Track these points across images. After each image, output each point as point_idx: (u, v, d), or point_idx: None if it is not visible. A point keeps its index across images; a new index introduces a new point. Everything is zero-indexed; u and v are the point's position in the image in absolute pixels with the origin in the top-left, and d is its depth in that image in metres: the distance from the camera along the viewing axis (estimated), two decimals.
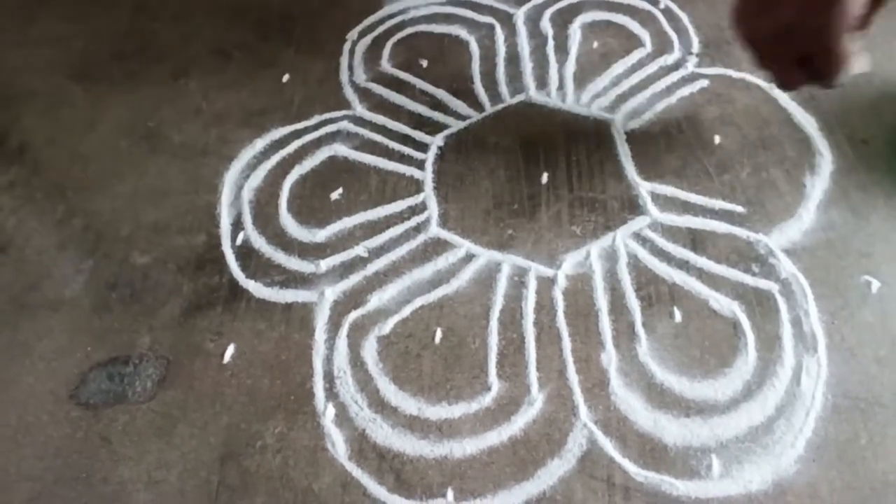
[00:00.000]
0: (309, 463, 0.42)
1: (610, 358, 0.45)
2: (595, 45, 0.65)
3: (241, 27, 0.71)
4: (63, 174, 0.59)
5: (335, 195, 0.55)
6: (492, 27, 0.68)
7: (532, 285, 0.48)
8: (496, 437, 0.42)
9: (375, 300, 0.48)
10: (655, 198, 0.53)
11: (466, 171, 0.56)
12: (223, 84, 0.65)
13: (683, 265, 0.49)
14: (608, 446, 0.41)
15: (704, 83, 0.61)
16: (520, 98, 0.61)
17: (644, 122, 0.58)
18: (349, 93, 0.63)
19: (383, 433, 0.43)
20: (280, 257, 0.52)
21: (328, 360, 0.46)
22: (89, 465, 0.42)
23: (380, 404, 0.44)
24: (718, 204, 0.52)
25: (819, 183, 0.53)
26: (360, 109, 0.62)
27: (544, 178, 0.55)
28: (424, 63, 0.65)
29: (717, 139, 0.56)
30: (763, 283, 0.47)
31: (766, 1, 0.41)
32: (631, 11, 0.67)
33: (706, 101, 0.59)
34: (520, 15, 0.68)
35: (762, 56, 0.45)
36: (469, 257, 0.50)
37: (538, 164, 0.56)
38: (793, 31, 0.41)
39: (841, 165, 0.54)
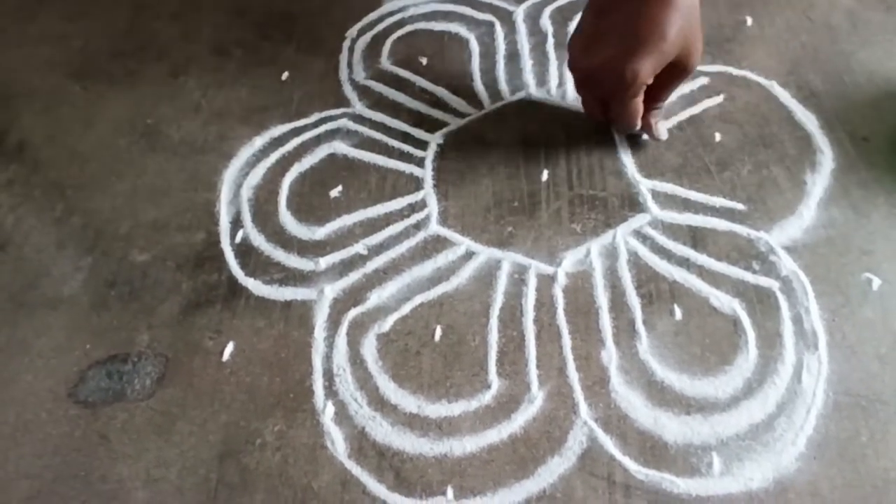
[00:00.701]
0: (308, 461, 0.41)
1: (610, 355, 0.44)
2: None
3: (240, 25, 0.70)
4: (62, 172, 0.59)
5: (335, 193, 0.55)
6: (491, 24, 0.68)
7: (532, 283, 0.48)
8: (496, 434, 0.42)
9: (375, 298, 0.48)
10: (656, 195, 0.53)
11: (466, 168, 0.56)
12: (223, 82, 0.65)
13: (684, 262, 0.49)
14: (608, 444, 0.41)
15: (704, 81, 0.60)
16: (520, 95, 0.61)
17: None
18: (349, 90, 0.63)
19: (383, 431, 0.42)
20: (279, 255, 0.52)
21: (327, 357, 0.46)
22: (88, 463, 0.42)
23: (379, 402, 0.44)
24: (719, 201, 0.52)
25: (820, 180, 0.53)
26: (359, 107, 0.61)
27: (544, 175, 0.55)
28: (424, 61, 0.65)
29: (717, 136, 0.56)
30: (764, 281, 0.47)
31: (590, 45, 0.48)
32: None
33: (706, 99, 0.59)
34: (519, 12, 0.68)
35: (576, 84, 0.53)
36: (469, 255, 0.50)
37: (538, 162, 0.56)
38: (598, 76, 0.48)
39: (842, 163, 0.54)
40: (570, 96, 0.60)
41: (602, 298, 0.47)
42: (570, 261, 0.49)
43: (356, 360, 0.46)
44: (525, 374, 0.44)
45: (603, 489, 0.39)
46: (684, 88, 0.60)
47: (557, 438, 0.42)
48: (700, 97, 0.59)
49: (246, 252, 0.52)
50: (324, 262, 0.51)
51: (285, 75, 0.65)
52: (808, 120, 0.57)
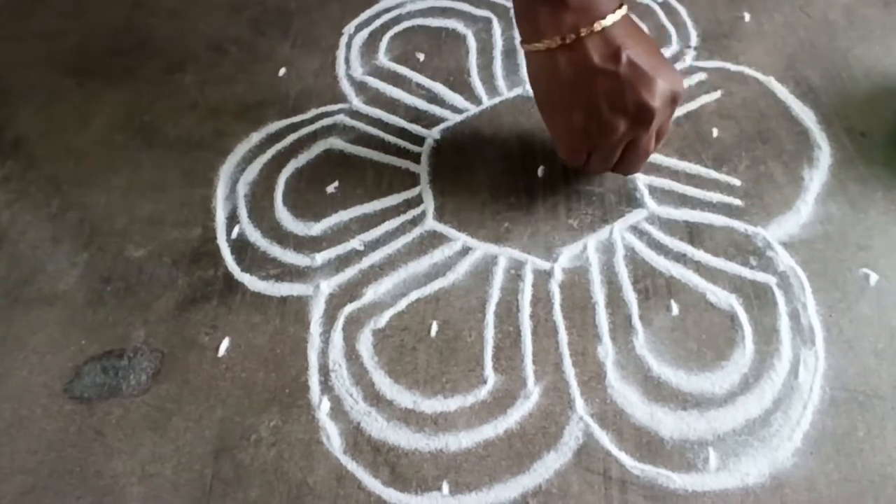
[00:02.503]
0: (303, 456, 0.41)
1: (606, 351, 0.44)
2: None
3: (236, 21, 0.70)
4: (58, 168, 0.59)
5: (331, 189, 0.55)
6: (489, 20, 0.67)
7: (528, 278, 0.48)
8: (492, 430, 0.42)
9: (371, 293, 0.48)
10: (653, 190, 0.53)
11: (463, 164, 0.56)
12: (219, 78, 0.65)
13: (681, 258, 0.49)
14: (604, 439, 0.41)
15: (702, 76, 0.60)
16: (517, 91, 0.61)
17: None
18: (345, 86, 0.63)
19: (378, 426, 0.42)
20: (275, 251, 0.52)
21: (323, 353, 0.46)
22: (83, 458, 0.42)
23: (375, 398, 0.44)
24: (716, 197, 0.52)
25: (817, 176, 0.53)
26: (356, 103, 0.61)
27: (541, 171, 0.55)
28: (421, 57, 0.65)
29: (714, 132, 0.56)
30: (761, 276, 0.47)
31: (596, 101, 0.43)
32: (629, 5, 0.67)
33: (704, 94, 0.59)
34: None
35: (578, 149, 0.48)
36: (465, 250, 0.50)
37: (535, 157, 0.56)
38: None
39: (839, 158, 0.54)
40: None
41: (598, 294, 0.47)
42: (566, 256, 0.49)
43: (352, 356, 0.46)
44: (521, 370, 0.44)
45: (599, 484, 0.39)
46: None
47: (553, 434, 0.41)
48: (697, 93, 0.59)
49: (242, 248, 0.52)
50: (320, 257, 0.51)
51: (282, 71, 0.65)
52: (805, 116, 0.57)
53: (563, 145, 0.48)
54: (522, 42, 0.45)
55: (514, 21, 0.65)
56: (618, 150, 0.45)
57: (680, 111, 0.58)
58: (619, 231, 0.50)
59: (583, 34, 0.41)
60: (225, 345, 0.46)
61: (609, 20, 0.41)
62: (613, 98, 0.41)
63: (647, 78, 0.41)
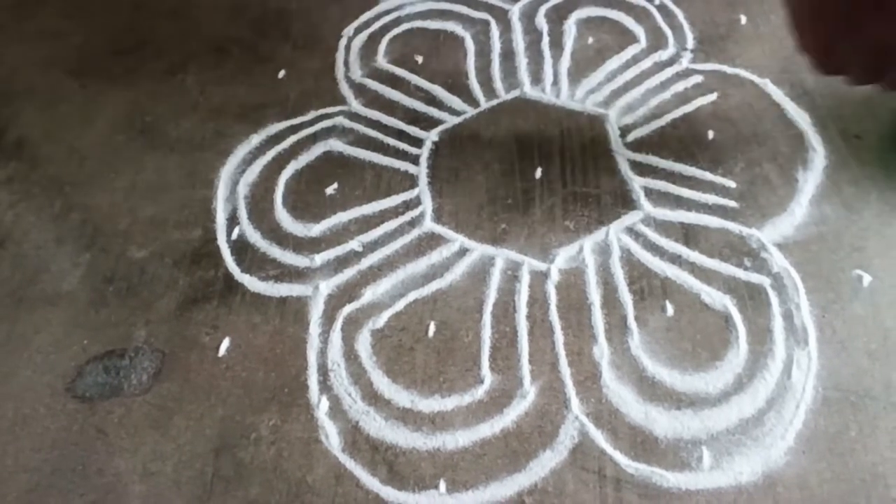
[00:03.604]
0: (303, 455, 0.42)
1: (602, 351, 0.45)
2: (590, 40, 0.65)
3: (238, 23, 0.71)
4: (61, 169, 0.59)
5: (330, 190, 0.56)
6: (487, 23, 0.68)
7: (525, 279, 0.49)
8: (488, 429, 0.42)
9: (369, 294, 0.49)
10: (648, 192, 0.53)
11: (461, 166, 0.56)
12: (220, 79, 0.65)
13: (676, 259, 0.49)
14: (600, 438, 0.41)
15: (699, 79, 0.61)
16: (515, 94, 0.61)
17: (638, 117, 0.58)
18: (345, 88, 0.63)
19: (376, 425, 0.43)
20: (275, 251, 0.52)
21: (322, 353, 0.46)
22: (85, 457, 0.43)
23: (373, 397, 0.44)
24: (711, 198, 0.52)
25: (812, 178, 0.53)
26: (355, 105, 0.62)
27: (538, 172, 0.55)
28: (420, 59, 0.65)
29: (710, 134, 0.57)
30: (755, 277, 0.48)
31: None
32: (626, 7, 0.67)
33: (700, 97, 0.59)
34: (515, 11, 0.69)
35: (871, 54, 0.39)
36: (463, 251, 0.51)
37: (532, 160, 0.56)
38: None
39: (834, 160, 0.54)
40: (565, 94, 0.61)
41: (594, 295, 0.48)
42: (562, 257, 0.50)
43: (350, 356, 0.46)
44: (517, 370, 0.45)
45: (594, 483, 0.40)
46: (678, 86, 0.60)
47: (549, 433, 0.42)
48: (694, 95, 0.60)
49: (242, 249, 0.52)
50: (319, 258, 0.51)
51: (282, 73, 0.65)
52: (800, 118, 0.57)
53: (809, 29, 0.39)
54: None
55: (511, 22, 0.66)
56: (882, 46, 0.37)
57: (676, 113, 0.58)
58: (615, 232, 0.51)
59: None
60: (225, 344, 0.47)
61: None
62: None
63: None
